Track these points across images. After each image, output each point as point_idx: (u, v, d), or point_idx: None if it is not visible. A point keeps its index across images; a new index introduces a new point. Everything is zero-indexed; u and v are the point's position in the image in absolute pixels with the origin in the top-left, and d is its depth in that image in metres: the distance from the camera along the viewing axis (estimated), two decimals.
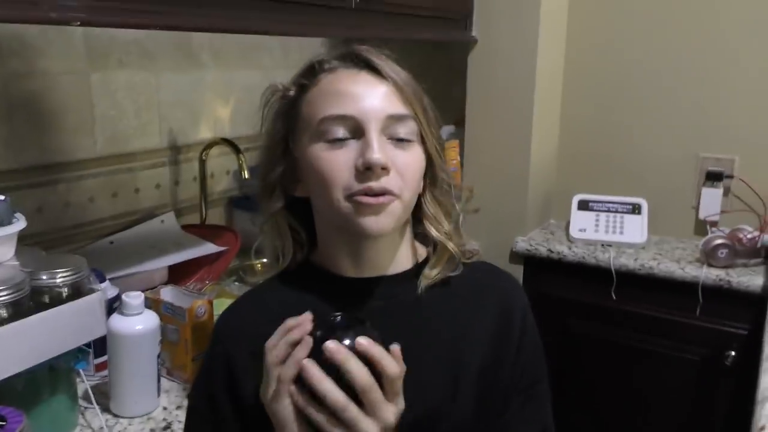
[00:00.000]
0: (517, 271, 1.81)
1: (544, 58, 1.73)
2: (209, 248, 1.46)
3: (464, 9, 1.76)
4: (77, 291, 0.89)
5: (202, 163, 1.60)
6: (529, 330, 0.84)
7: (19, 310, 0.82)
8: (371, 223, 0.73)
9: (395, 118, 0.75)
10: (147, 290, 1.13)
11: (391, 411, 0.66)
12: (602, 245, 1.73)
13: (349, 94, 0.75)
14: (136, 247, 1.43)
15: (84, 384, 1.01)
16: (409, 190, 0.76)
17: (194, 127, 1.65)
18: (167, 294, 1.13)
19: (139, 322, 0.97)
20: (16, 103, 1.28)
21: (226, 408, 0.77)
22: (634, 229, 1.73)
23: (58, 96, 1.35)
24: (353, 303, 0.79)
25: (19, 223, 0.90)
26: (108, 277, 1.24)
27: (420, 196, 0.80)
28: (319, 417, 0.64)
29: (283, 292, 0.82)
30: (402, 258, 0.82)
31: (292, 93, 0.80)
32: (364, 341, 0.65)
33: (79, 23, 0.80)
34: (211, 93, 1.68)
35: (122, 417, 0.99)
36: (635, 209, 1.76)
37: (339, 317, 0.68)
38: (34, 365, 0.85)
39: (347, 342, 0.64)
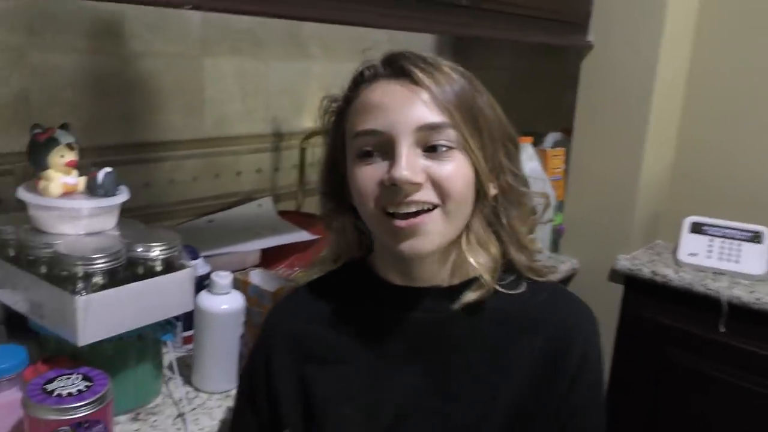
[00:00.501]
0: (617, 291, 1.72)
1: (666, 68, 1.63)
2: (302, 236, 1.47)
3: (583, 12, 1.68)
4: (170, 265, 0.91)
5: (302, 151, 1.62)
6: (590, 369, 0.75)
7: (115, 278, 0.85)
8: (408, 247, 0.71)
9: (429, 128, 0.69)
10: (238, 271, 1.15)
11: None
12: (713, 273, 1.60)
13: (379, 107, 0.71)
14: (233, 228, 1.46)
15: (170, 355, 1.04)
16: (454, 200, 0.71)
17: (298, 116, 1.68)
18: (256, 277, 1.15)
19: (225, 302, 0.99)
20: (134, 82, 1.35)
21: (262, 395, 0.80)
22: (753, 259, 1.59)
23: (171, 77, 1.40)
24: (396, 311, 0.78)
25: (123, 195, 0.94)
26: (203, 254, 1.27)
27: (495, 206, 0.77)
28: None
29: (332, 293, 0.82)
30: (457, 269, 0.77)
31: (339, 105, 0.78)
32: None
33: (191, 6, 0.82)
34: (317, 83, 1.70)
35: (202, 391, 1.01)
36: (755, 238, 1.62)
37: None
38: (124, 333, 0.88)
39: None
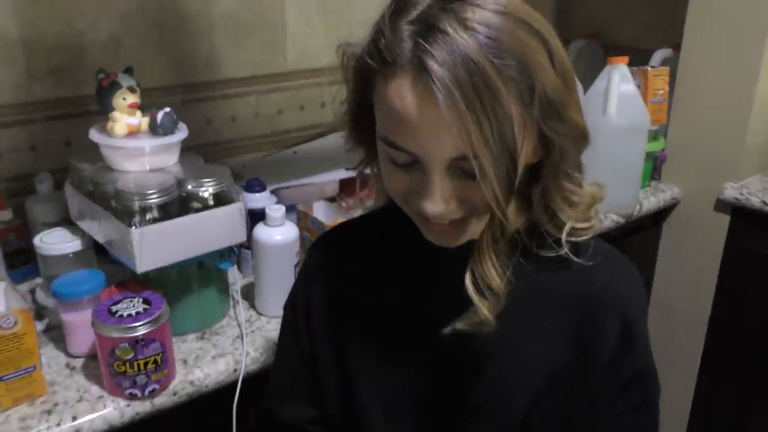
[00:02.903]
0: (722, 222, 1.58)
1: None
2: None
3: None
4: (220, 200, 0.98)
5: None
6: (635, 347, 0.70)
7: (168, 212, 0.93)
8: (438, 241, 0.68)
9: (462, 159, 0.59)
10: (303, 203, 1.21)
11: None
12: None
13: (407, 124, 0.59)
14: (316, 158, 1.52)
15: (236, 283, 1.13)
16: (483, 208, 0.63)
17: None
18: (319, 209, 1.19)
19: (279, 233, 1.05)
20: (217, 20, 1.40)
21: (302, 323, 0.83)
22: None
23: (254, 14, 1.45)
24: (430, 263, 0.74)
25: (181, 134, 1.01)
26: (286, 185, 1.34)
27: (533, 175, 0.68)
28: None
29: (372, 233, 0.81)
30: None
31: (363, 66, 0.64)
32: None
33: None
34: None
35: (263, 315, 1.09)
36: None
37: None
38: (182, 261, 0.96)
39: None
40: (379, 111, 0.63)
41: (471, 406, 0.72)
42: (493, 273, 0.64)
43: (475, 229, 0.66)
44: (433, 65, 0.56)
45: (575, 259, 0.69)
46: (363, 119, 0.69)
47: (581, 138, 0.66)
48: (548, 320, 0.70)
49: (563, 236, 0.68)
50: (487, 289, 0.65)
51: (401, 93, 0.59)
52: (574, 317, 0.69)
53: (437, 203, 0.62)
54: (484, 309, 0.64)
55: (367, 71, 0.63)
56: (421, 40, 0.57)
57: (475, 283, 0.65)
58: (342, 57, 0.69)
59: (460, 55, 0.56)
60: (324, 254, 0.84)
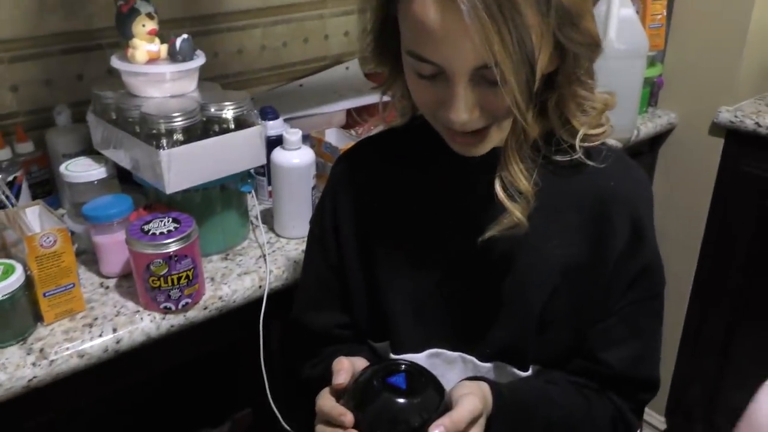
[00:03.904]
0: (716, 146, 1.64)
1: None
2: (385, 96, 1.52)
3: None
4: (241, 123, 1.01)
5: None
6: (643, 244, 0.75)
7: (192, 134, 0.97)
8: (464, 150, 0.72)
9: (484, 68, 0.63)
10: (316, 130, 1.24)
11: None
12: None
13: (432, 34, 0.62)
14: (321, 90, 1.54)
15: (255, 207, 1.17)
16: (506, 119, 0.68)
17: None
18: (331, 135, 1.23)
19: (296, 156, 1.09)
20: None
21: (330, 235, 0.87)
22: None
23: None
24: (453, 173, 0.78)
25: (199, 60, 1.03)
26: (294, 116, 1.37)
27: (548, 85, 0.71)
28: None
29: (398, 145, 0.84)
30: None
31: None
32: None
33: None
34: None
35: (282, 237, 1.15)
36: None
37: (401, 372, 0.67)
38: (205, 183, 1.01)
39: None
40: (404, 24, 0.66)
41: (494, 304, 0.77)
42: (521, 177, 0.70)
43: (497, 138, 0.71)
44: None
45: (588, 162, 0.74)
46: (387, 36, 0.72)
47: (594, 46, 0.70)
48: (563, 219, 0.76)
49: (577, 142, 0.73)
50: (516, 192, 0.70)
51: (425, 5, 0.62)
52: (588, 215, 0.75)
53: (461, 112, 0.65)
54: (516, 212, 0.70)
55: None
56: None
57: (504, 188, 0.70)
58: None
59: None
60: (350, 167, 0.87)
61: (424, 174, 0.82)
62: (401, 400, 0.64)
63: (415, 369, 0.68)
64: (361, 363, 0.73)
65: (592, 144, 0.75)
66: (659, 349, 0.82)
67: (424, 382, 0.66)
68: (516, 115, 0.64)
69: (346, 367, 0.71)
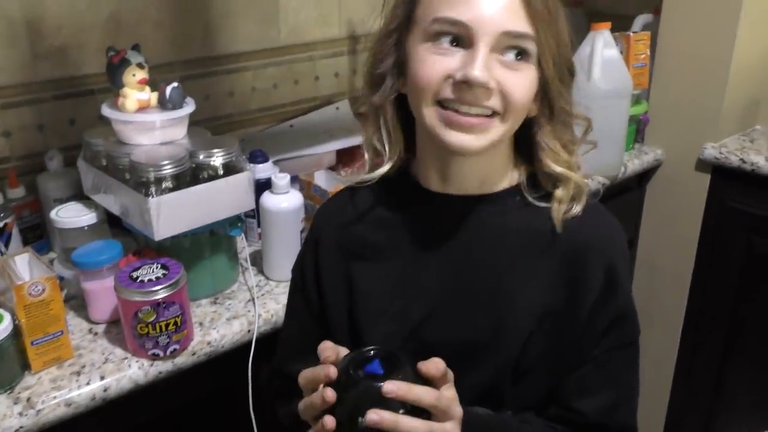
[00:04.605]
0: (703, 181, 1.66)
1: None
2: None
3: None
4: (230, 169, 1.03)
5: None
6: (617, 294, 0.76)
7: (181, 182, 0.98)
8: (458, 140, 0.70)
9: (512, 36, 0.68)
10: (305, 172, 1.26)
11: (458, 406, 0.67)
12: None
13: None
14: (312, 131, 1.56)
15: (245, 249, 1.18)
16: (514, 111, 0.71)
17: (372, 16, 1.70)
18: (320, 177, 1.25)
19: (284, 200, 1.10)
20: None
21: (311, 285, 0.87)
22: None
23: None
24: (431, 217, 0.80)
25: (189, 107, 1.05)
26: (281, 157, 1.39)
27: (534, 125, 0.75)
28: None
29: (376, 194, 0.84)
30: (491, 178, 0.79)
31: None
32: (392, 387, 0.63)
33: None
34: None
35: (272, 279, 1.15)
36: None
37: (375, 358, 0.67)
38: (194, 229, 1.02)
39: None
40: (433, 1, 0.70)
41: (472, 348, 0.78)
42: (561, 150, 0.76)
43: (496, 135, 0.71)
44: None
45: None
46: (397, 45, 0.75)
47: (572, 70, 0.75)
48: (540, 266, 0.77)
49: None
50: (562, 162, 0.77)
51: None
52: (563, 264, 0.76)
53: (482, 69, 0.67)
54: (574, 176, 0.76)
55: None
56: None
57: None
58: None
59: None
60: (329, 217, 0.88)
61: (402, 221, 0.83)
62: (379, 384, 0.64)
63: (388, 353, 0.68)
64: (344, 351, 0.72)
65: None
66: (635, 396, 0.81)
67: (399, 363, 0.67)
68: (546, 82, 0.71)
69: (330, 346, 0.71)
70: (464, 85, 0.68)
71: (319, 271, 0.87)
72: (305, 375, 0.70)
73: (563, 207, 0.76)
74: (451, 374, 0.69)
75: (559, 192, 0.76)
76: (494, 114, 0.70)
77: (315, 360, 0.89)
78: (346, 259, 0.85)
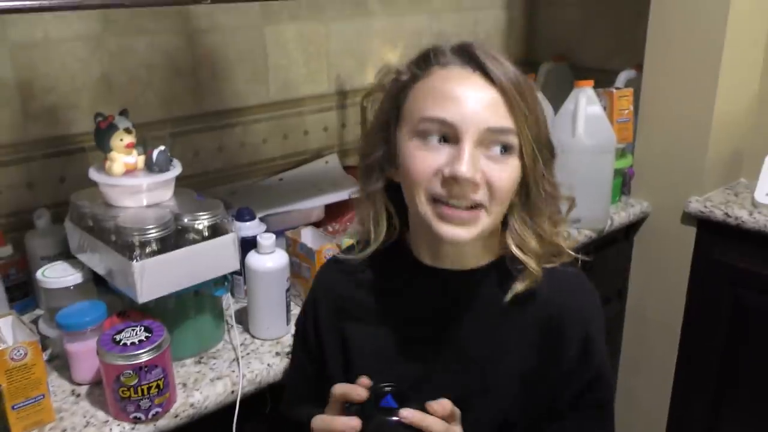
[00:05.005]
0: (689, 234, 1.67)
1: None
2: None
3: None
4: (215, 231, 1.04)
5: (363, 109, 1.69)
6: (592, 359, 0.82)
7: (166, 245, 0.99)
8: (451, 234, 0.76)
9: (495, 131, 0.73)
10: (290, 229, 1.27)
11: None
12: None
13: (454, 97, 0.74)
14: (301, 185, 1.58)
15: (231, 307, 1.18)
16: (499, 205, 0.76)
17: (362, 73, 1.74)
18: (307, 235, 1.26)
19: (270, 260, 1.11)
20: (201, 56, 1.47)
21: (311, 339, 0.93)
22: None
23: (236, 49, 1.51)
24: (423, 288, 0.86)
25: (174, 171, 1.07)
26: (271, 212, 1.40)
27: (508, 210, 0.80)
28: None
29: (371, 263, 0.89)
30: (480, 256, 0.85)
31: (404, 79, 0.80)
32: (408, 413, 0.71)
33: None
34: (380, 39, 1.75)
35: (257, 338, 1.15)
36: None
37: (388, 393, 0.75)
38: (179, 290, 1.02)
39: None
40: (421, 99, 0.77)
41: (463, 403, 0.80)
42: (531, 237, 0.80)
43: (485, 224, 0.77)
44: (481, 56, 0.75)
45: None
46: (386, 137, 0.82)
47: (553, 151, 0.81)
48: (522, 332, 0.82)
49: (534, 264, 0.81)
50: (528, 250, 0.80)
51: (448, 76, 0.75)
52: (543, 329, 0.82)
53: (469, 165, 0.72)
54: (531, 262, 0.79)
55: (408, 80, 0.79)
56: (463, 48, 0.76)
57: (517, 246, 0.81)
58: (379, 71, 0.84)
59: (502, 59, 0.76)
60: (329, 280, 0.93)
61: (394, 289, 0.88)
62: (394, 418, 0.72)
63: (400, 389, 0.76)
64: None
65: (549, 265, 0.82)
66: None
67: (410, 398, 0.74)
68: (531, 177, 0.76)
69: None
70: (452, 180, 0.73)
71: (319, 331, 0.92)
72: (336, 388, 0.77)
73: (511, 293, 0.81)
74: (458, 412, 0.74)
75: (517, 284, 0.81)
76: (480, 206, 0.75)
77: (317, 405, 0.92)
78: (343, 321, 0.90)
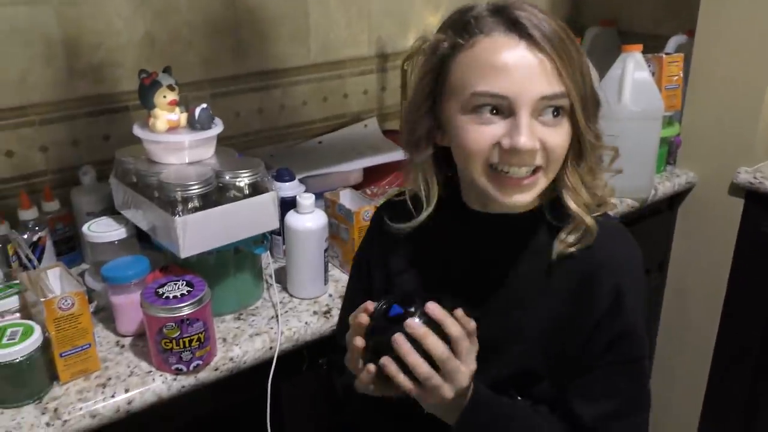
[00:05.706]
0: (737, 206, 1.62)
1: None
2: (402, 154, 1.55)
3: None
4: (255, 189, 1.04)
5: (404, 73, 1.67)
6: (623, 311, 0.80)
7: (207, 201, 1.00)
8: (512, 200, 0.77)
9: (548, 98, 0.73)
10: (330, 191, 1.27)
11: (465, 375, 0.74)
12: None
13: (504, 69, 0.72)
14: (340, 148, 1.58)
15: (270, 266, 1.20)
16: (555, 165, 0.78)
17: (402, 36, 1.72)
18: (345, 196, 1.26)
19: (309, 220, 1.11)
20: (243, 16, 1.46)
21: (364, 275, 0.98)
22: None
23: (277, 8, 1.50)
24: (469, 232, 0.88)
25: (217, 128, 1.07)
26: (309, 174, 1.40)
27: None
28: (406, 383, 0.73)
29: (422, 205, 0.90)
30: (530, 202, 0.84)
31: (445, 47, 0.77)
32: (431, 306, 0.73)
33: None
34: (421, 1, 1.72)
35: (295, 297, 1.16)
36: None
37: (393, 303, 0.76)
38: (219, 247, 1.03)
39: (419, 320, 0.73)
40: (468, 72, 0.75)
41: (489, 345, 0.81)
42: (583, 192, 0.81)
43: (543, 186, 0.78)
44: (524, 20, 0.72)
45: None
46: (432, 110, 0.81)
47: (598, 101, 0.80)
48: (554, 282, 0.83)
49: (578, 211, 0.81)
50: (581, 204, 0.81)
51: (494, 46, 0.73)
52: (576, 282, 0.82)
53: (528, 137, 0.72)
54: (586, 218, 0.80)
55: (449, 50, 0.76)
56: (504, 12, 0.74)
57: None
58: (416, 42, 0.84)
59: (542, 17, 0.73)
60: (381, 221, 0.94)
61: (439, 230, 0.89)
62: (397, 326, 0.73)
63: (405, 295, 0.78)
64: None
65: (596, 214, 0.82)
66: (640, 412, 0.84)
67: (416, 302, 0.75)
68: (582, 133, 0.76)
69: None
70: (513, 150, 0.74)
71: (369, 264, 0.97)
72: (350, 319, 0.80)
73: (563, 245, 0.81)
74: (473, 324, 0.76)
75: (563, 235, 0.82)
76: (539, 169, 0.76)
77: None
78: (389, 257, 0.94)
